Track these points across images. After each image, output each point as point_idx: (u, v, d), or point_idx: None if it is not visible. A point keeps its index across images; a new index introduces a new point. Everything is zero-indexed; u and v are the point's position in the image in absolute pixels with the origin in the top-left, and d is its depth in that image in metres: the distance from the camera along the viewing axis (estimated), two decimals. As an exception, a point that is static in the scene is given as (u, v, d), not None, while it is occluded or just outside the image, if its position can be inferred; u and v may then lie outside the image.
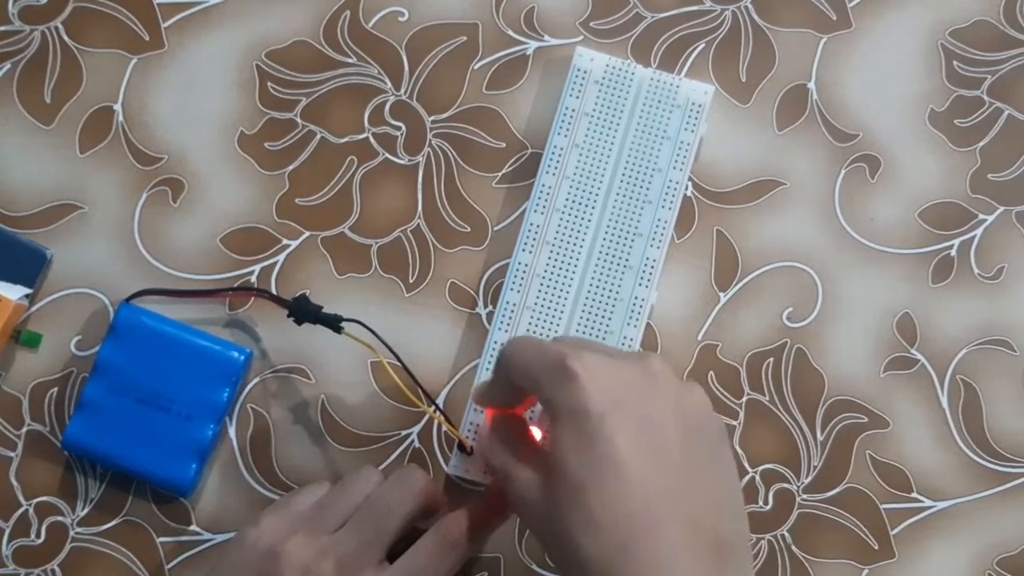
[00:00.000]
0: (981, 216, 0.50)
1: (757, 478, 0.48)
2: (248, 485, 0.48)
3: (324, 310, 0.46)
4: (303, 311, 0.46)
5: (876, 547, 0.48)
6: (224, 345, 0.47)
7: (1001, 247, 0.50)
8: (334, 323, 0.45)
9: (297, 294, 0.47)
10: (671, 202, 0.48)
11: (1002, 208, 0.50)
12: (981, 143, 0.50)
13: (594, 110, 0.48)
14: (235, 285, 0.49)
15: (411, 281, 0.49)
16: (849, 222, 0.50)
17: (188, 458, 0.46)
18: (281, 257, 0.49)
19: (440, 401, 0.48)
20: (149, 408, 0.46)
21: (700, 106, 0.48)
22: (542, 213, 0.47)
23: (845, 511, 0.48)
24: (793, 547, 0.48)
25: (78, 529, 0.47)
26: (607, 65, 0.49)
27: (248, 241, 0.49)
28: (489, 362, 0.47)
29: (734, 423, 0.49)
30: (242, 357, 0.47)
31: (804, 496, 0.48)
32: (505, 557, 0.48)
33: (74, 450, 0.46)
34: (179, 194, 0.49)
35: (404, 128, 0.50)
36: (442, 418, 0.46)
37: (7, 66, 0.50)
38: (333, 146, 0.50)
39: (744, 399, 0.49)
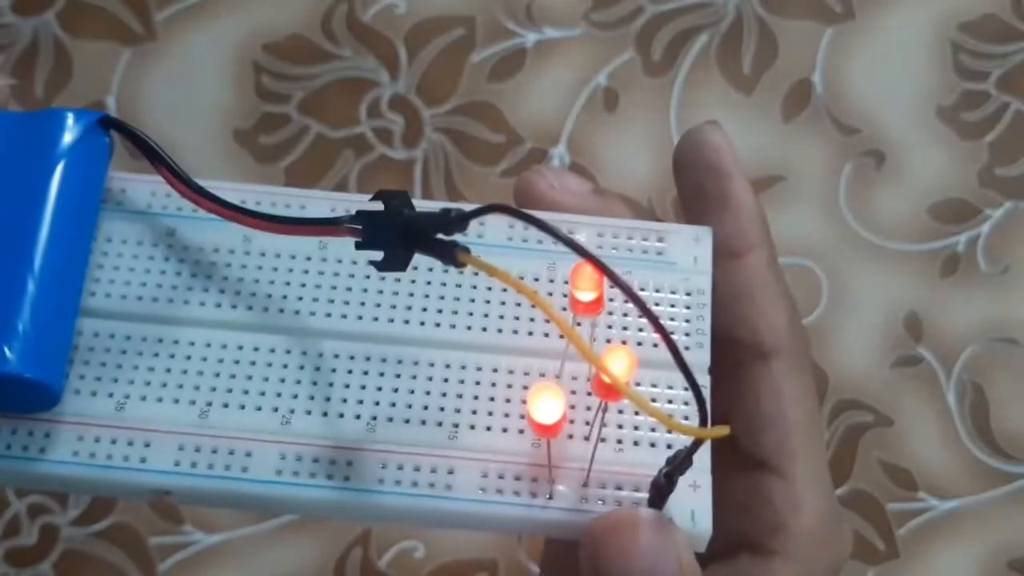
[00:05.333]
0: (988, 211, 0.49)
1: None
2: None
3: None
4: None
5: (882, 547, 0.48)
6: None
7: (1009, 242, 0.49)
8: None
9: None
10: None
11: (1010, 202, 0.49)
12: (989, 137, 0.50)
13: None
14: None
15: (409, 277, 0.48)
16: (854, 217, 0.49)
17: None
18: (276, 253, 0.48)
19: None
20: None
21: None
22: None
23: (850, 511, 0.48)
24: (797, 548, 0.47)
25: (69, 530, 0.47)
26: None
27: (243, 237, 0.49)
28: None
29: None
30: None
31: (808, 496, 0.48)
32: (504, 558, 0.47)
33: None
34: (173, 189, 0.49)
35: (402, 122, 0.49)
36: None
37: (-1, 59, 0.50)
38: (329, 140, 0.49)
39: (747, 397, 0.48)
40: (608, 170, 0.49)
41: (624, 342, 0.21)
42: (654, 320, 0.18)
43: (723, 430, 0.18)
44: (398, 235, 0.19)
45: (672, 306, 0.22)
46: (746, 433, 0.23)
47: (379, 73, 0.50)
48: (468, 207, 0.19)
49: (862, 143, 0.50)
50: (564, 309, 0.21)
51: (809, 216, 0.49)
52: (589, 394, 0.21)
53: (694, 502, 0.20)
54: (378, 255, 0.19)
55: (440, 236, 0.19)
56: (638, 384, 0.21)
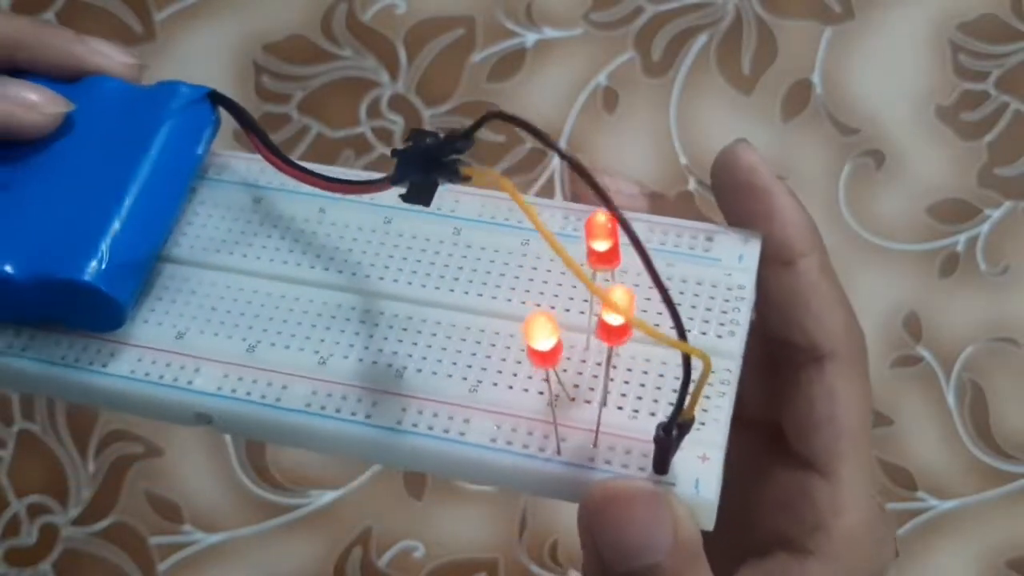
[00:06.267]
0: (987, 211, 0.49)
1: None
2: (242, 483, 0.47)
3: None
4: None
5: (881, 547, 0.48)
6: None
7: (1008, 242, 0.49)
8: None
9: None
10: None
11: (1009, 202, 0.49)
12: (988, 137, 0.50)
13: None
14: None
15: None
16: (854, 217, 0.49)
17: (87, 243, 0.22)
18: (276, 253, 0.48)
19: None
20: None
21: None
22: None
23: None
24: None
25: (69, 529, 0.47)
26: None
27: (243, 236, 0.49)
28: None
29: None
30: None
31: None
32: (504, 557, 0.47)
33: None
34: (173, 189, 0.49)
35: (402, 121, 0.49)
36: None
37: (-2, 59, 0.49)
38: (329, 140, 0.49)
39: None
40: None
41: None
42: (629, 231, 0.18)
43: (706, 356, 0.18)
44: (420, 165, 0.20)
45: (711, 298, 0.22)
46: (797, 433, 0.23)
47: (379, 73, 0.49)
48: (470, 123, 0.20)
49: (862, 143, 0.49)
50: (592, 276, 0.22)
51: (809, 216, 0.49)
52: (615, 367, 0.21)
53: (700, 472, 0.20)
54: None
55: (450, 158, 0.20)
56: (647, 360, 0.21)
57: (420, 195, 0.21)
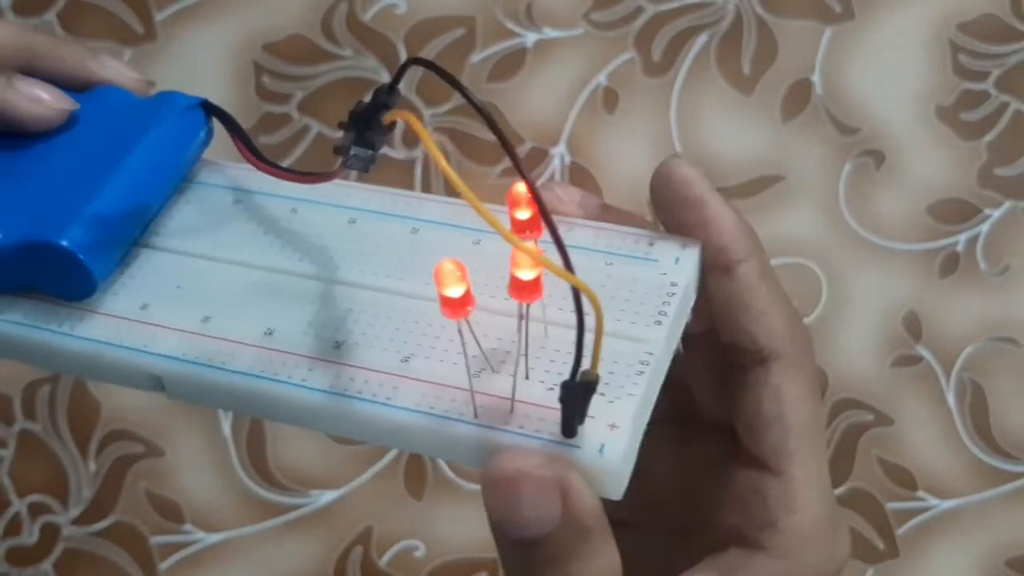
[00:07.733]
0: (987, 211, 0.49)
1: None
2: (242, 483, 0.47)
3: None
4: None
5: (881, 546, 0.48)
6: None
7: (1008, 242, 0.49)
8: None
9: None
10: None
11: (1009, 202, 0.49)
12: (988, 137, 0.50)
13: None
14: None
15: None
16: (854, 217, 0.49)
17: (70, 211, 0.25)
18: (277, 253, 0.49)
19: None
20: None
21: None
22: None
23: (850, 510, 0.48)
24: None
25: (70, 529, 0.47)
26: None
27: (243, 236, 0.49)
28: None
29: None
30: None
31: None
32: (504, 557, 0.47)
33: None
34: (173, 189, 0.49)
35: (402, 121, 0.49)
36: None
37: None
38: (330, 140, 0.49)
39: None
40: (608, 170, 0.49)
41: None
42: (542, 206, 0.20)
43: (593, 294, 0.19)
44: (359, 131, 0.23)
45: (645, 293, 0.23)
46: (748, 433, 0.24)
47: (379, 73, 0.49)
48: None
49: (862, 143, 0.50)
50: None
51: (809, 216, 0.49)
52: (543, 348, 0.23)
53: (607, 438, 0.21)
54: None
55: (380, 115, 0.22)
56: (562, 339, 0.23)
57: (359, 159, 0.23)
